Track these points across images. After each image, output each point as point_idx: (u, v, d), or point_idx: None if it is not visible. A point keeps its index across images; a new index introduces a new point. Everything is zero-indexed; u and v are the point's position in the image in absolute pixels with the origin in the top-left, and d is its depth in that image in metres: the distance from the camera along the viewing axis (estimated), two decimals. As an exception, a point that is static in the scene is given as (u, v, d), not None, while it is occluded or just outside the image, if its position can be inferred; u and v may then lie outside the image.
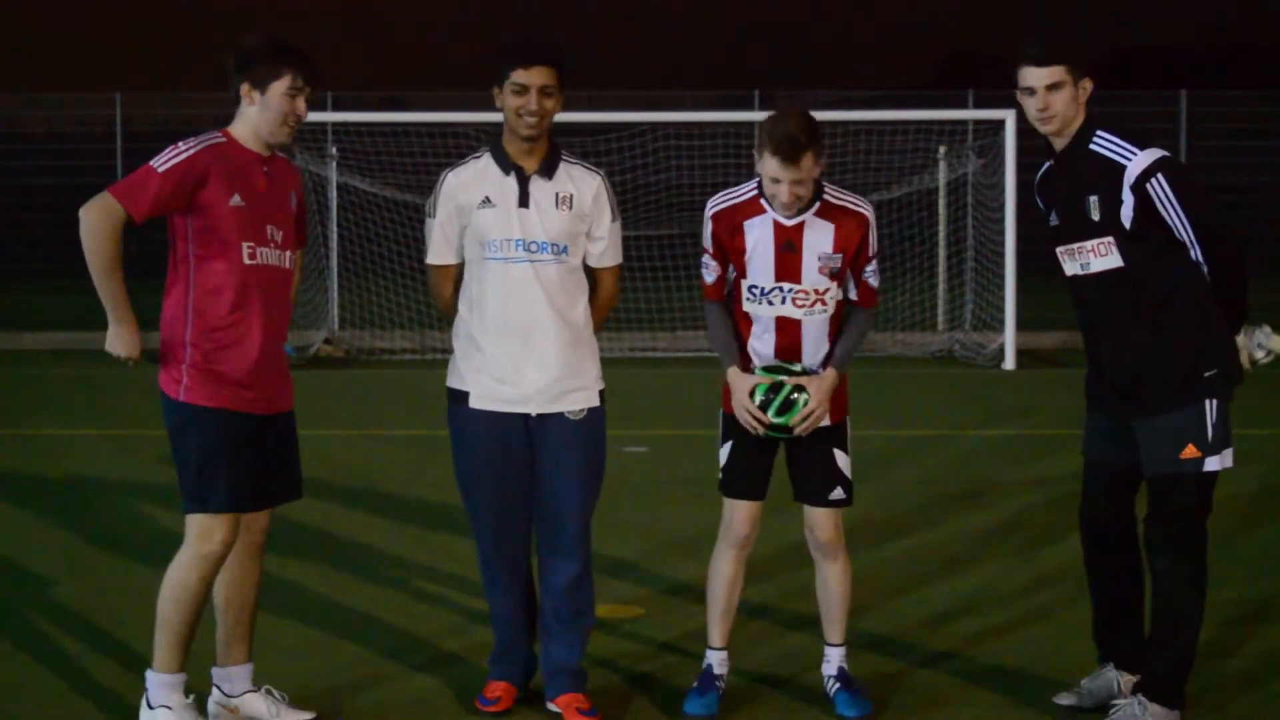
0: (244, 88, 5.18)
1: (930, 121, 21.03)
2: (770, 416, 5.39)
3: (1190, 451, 5.20)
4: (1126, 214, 5.17)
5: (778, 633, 6.55)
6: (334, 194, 20.71)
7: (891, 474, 10.50)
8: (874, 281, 5.54)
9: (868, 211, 5.47)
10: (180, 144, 5.11)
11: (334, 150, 20.95)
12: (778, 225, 5.39)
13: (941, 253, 20.95)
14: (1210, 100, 25.15)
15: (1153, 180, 5.12)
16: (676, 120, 19.89)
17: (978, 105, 22.16)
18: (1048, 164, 5.48)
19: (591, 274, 5.58)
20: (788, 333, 5.45)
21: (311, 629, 6.63)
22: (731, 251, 5.45)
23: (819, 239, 5.39)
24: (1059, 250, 5.42)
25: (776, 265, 5.39)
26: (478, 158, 5.50)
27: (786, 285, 5.39)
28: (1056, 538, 8.28)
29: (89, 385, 16.19)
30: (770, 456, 5.56)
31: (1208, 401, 5.22)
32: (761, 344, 5.49)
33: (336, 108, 24.13)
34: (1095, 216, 5.23)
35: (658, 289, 20.29)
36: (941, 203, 20.96)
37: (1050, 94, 5.21)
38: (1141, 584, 5.48)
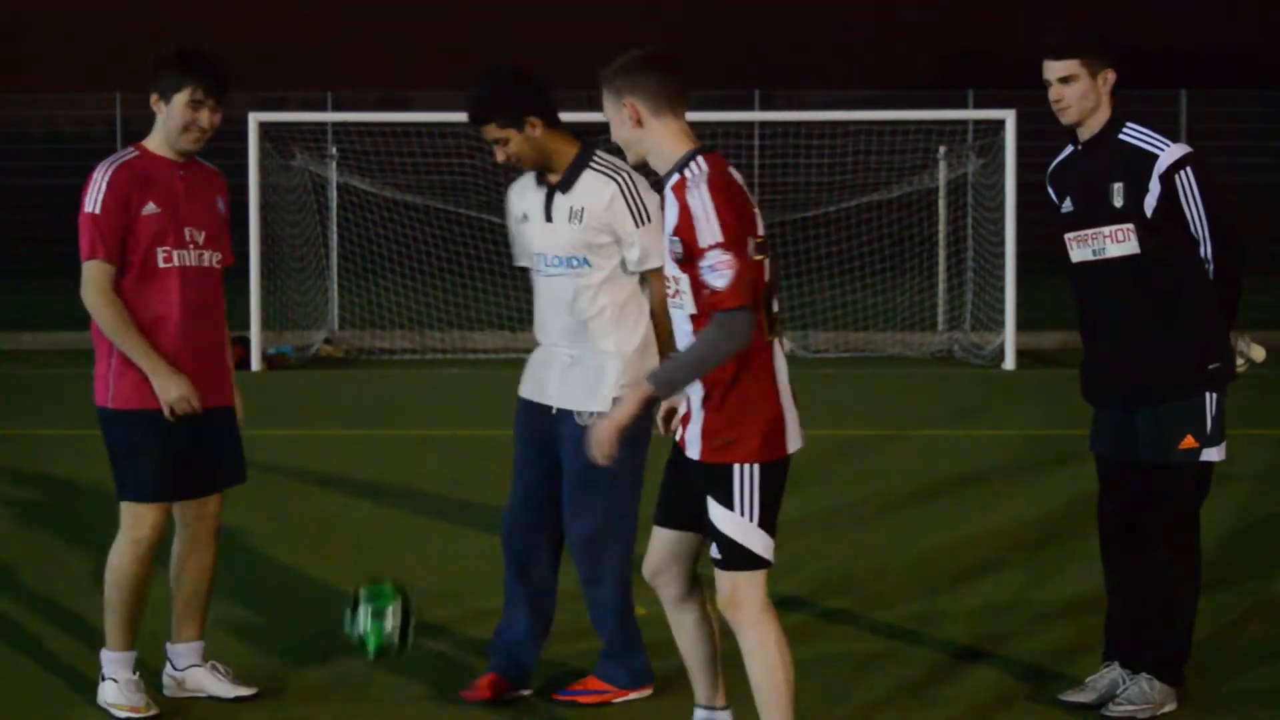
0: (153, 97, 5.44)
1: (930, 121, 21.03)
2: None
3: (1189, 442, 5.30)
4: (1150, 202, 5.26)
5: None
6: (334, 194, 20.71)
7: (892, 474, 10.50)
8: (711, 279, 4.40)
9: (693, 182, 4.44)
10: (94, 175, 5.42)
11: (334, 150, 20.95)
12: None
13: (941, 253, 20.95)
14: (1210, 100, 25.16)
15: (1182, 172, 5.24)
16: (676, 120, 19.82)
17: (978, 105, 22.16)
18: (1068, 151, 5.54)
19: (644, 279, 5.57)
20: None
21: (311, 625, 6.63)
22: None
23: (669, 218, 4.52)
24: (1069, 237, 5.48)
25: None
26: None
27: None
28: (1057, 537, 8.29)
29: (89, 385, 16.19)
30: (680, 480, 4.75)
31: (1208, 394, 5.33)
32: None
33: (336, 108, 24.13)
34: (1118, 203, 5.31)
35: (658, 289, 20.29)
36: (941, 203, 20.96)
37: (1064, 86, 5.33)
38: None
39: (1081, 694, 5.55)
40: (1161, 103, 23.88)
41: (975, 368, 18.09)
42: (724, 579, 4.57)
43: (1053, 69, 5.33)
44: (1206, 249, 5.30)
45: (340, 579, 7.53)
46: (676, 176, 4.51)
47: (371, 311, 20.36)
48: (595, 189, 5.42)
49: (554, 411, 5.56)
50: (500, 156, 5.45)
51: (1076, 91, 5.32)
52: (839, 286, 20.55)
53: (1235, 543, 8.08)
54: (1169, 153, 5.27)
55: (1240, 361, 5.49)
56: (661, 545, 4.76)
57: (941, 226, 20.89)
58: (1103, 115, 5.39)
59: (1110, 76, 5.37)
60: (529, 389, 5.70)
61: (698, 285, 4.43)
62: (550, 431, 5.60)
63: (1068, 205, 5.51)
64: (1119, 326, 5.40)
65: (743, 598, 4.55)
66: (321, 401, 15.01)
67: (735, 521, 4.51)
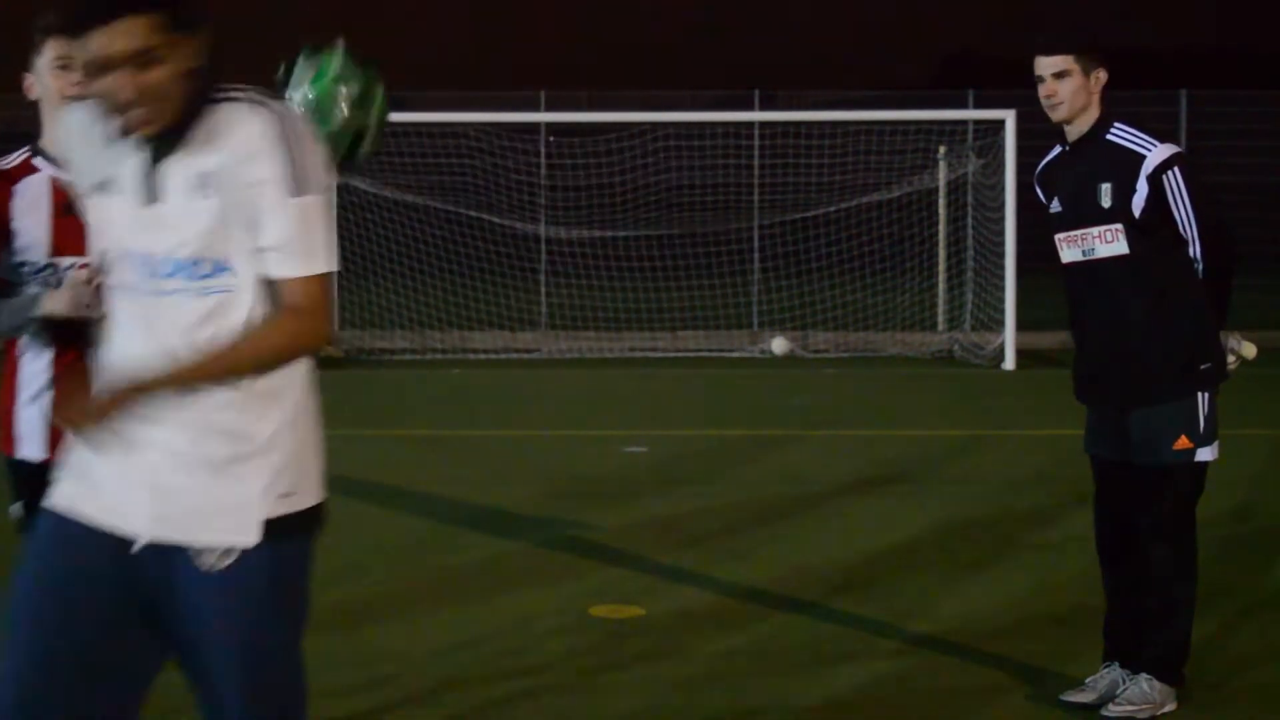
0: None
1: (930, 121, 21.07)
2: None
3: (1183, 442, 5.32)
4: (1138, 203, 5.27)
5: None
6: (334, 194, 20.72)
7: (892, 474, 10.51)
8: None
9: None
10: None
11: (334, 150, 20.95)
12: None
13: (941, 253, 20.97)
14: (1210, 100, 25.15)
15: (1169, 173, 5.24)
16: (676, 120, 19.91)
17: (978, 105, 22.14)
18: (1056, 151, 5.55)
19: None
20: None
21: (311, 623, 6.62)
22: None
23: None
24: (1059, 237, 5.50)
25: None
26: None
27: None
28: (1058, 536, 8.30)
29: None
30: None
31: (1200, 394, 5.34)
32: None
33: (336, 108, 24.07)
34: (1106, 203, 5.32)
35: (658, 289, 20.30)
36: (941, 203, 20.98)
37: (1056, 81, 5.33)
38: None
39: (1081, 694, 5.55)
40: (1161, 103, 23.87)
41: (975, 368, 18.11)
42: None
43: (1045, 64, 5.33)
44: (1195, 249, 5.30)
45: (339, 578, 7.54)
46: None
47: (371, 311, 20.37)
48: (234, 131, 3.05)
49: (134, 550, 3.16)
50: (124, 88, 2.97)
51: (1069, 87, 5.32)
52: (839, 286, 20.56)
53: (1232, 542, 8.08)
54: (1156, 153, 5.26)
55: (1232, 359, 5.50)
56: None
57: (941, 226, 20.91)
58: (1092, 115, 5.39)
59: (1102, 76, 5.36)
60: (82, 501, 3.21)
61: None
62: (126, 577, 3.19)
63: (1056, 206, 5.53)
64: (1110, 327, 5.41)
65: None
66: (322, 401, 15.00)
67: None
